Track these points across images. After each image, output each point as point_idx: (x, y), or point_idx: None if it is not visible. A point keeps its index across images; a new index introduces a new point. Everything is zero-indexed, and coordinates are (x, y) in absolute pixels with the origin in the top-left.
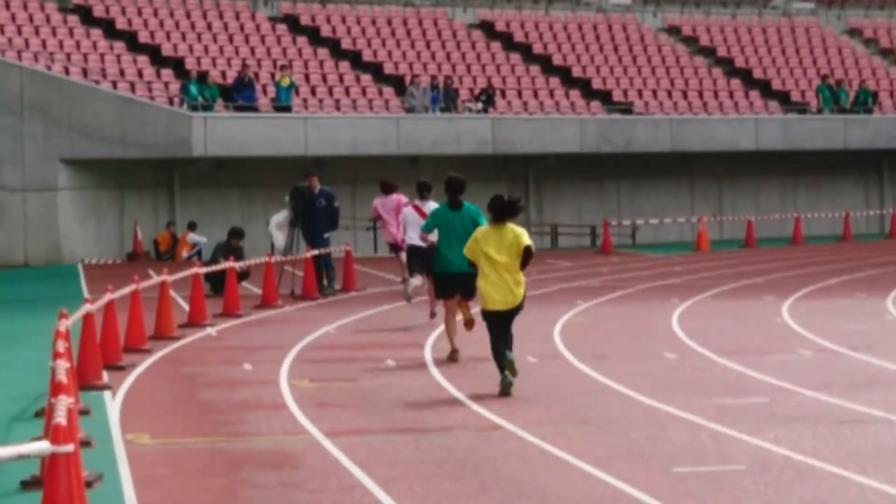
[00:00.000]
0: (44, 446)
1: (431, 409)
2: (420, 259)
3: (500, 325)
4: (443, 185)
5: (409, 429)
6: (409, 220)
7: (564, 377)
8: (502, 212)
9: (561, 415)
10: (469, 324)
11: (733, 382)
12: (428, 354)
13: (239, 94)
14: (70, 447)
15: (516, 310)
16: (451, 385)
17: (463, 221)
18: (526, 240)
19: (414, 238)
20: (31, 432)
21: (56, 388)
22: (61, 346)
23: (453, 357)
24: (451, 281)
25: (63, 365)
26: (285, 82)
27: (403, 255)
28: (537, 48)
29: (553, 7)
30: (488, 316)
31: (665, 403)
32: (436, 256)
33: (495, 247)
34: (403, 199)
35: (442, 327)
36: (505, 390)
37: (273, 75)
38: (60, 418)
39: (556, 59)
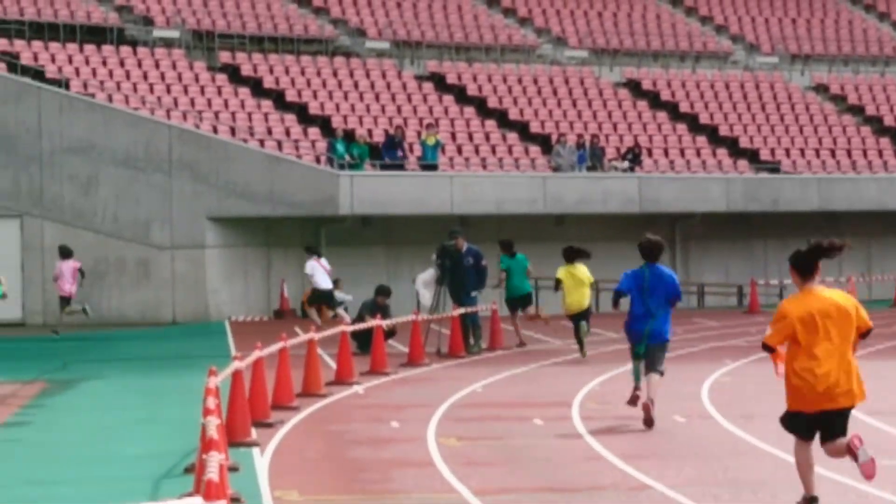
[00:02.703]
0: (196, 502)
1: (580, 468)
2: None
3: (578, 319)
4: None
5: (557, 488)
6: (318, 271)
7: (713, 437)
8: (570, 257)
9: (710, 475)
10: (533, 318)
11: (883, 443)
12: (576, 413)
13: (388, 153)
14: (222, 503)
15: (588, 311)
16: (599, 444)
17: (518, 264)
18: (588, 273)
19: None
20: (181, 489)
21: (207, 445)
22: (211, 402)
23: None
24: (516, 301)
25: (214, 421)
26: (431, 141)
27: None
28: (684, 106)
29: (700, 65)
30: (572, 316)
31: (815, 464)
32: (508, 286)
33: (578, 276)
34: (78, 263)
35: (587, 388)
36: (582, 352)
37: (419, 134)
38: (212, 474)
39: (703, 118)
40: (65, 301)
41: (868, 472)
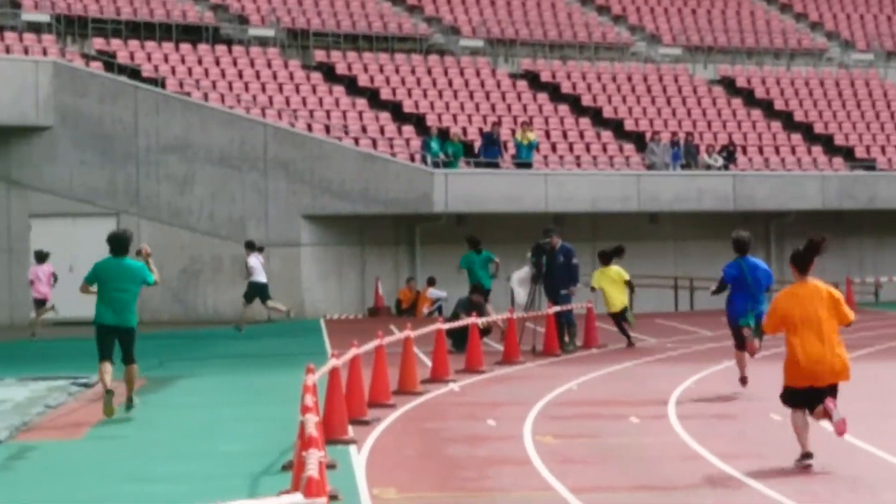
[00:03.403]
0: (297, 499)
1: (675, 466)
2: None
3: (616, 318)
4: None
5: (653, 486)
6: (257, 267)
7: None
8: (604, 259)
9: (806, 472)
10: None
11: None
12: (671, 411)
13: (486, 150)
14: (322, 500)
15: (625, 309)
16: (695, 442)
17: (482, 260)
18: (625, 275)
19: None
20: (279, 486)
21: (307, 442)
22: (310, 400)
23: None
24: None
25: (313, 419)
26: (526, 139)
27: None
28: (779, 104)
29: (794, 63)
30: (613, 314)
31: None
32: (470, 279)
33: (610, 276)
34: (50, 268)
35: (682, 386)
36: (630, 343)
37: (513, 132)
38: (312, 471)
39: (798, 115)
40: (40, 303)
41: (840, 429)
